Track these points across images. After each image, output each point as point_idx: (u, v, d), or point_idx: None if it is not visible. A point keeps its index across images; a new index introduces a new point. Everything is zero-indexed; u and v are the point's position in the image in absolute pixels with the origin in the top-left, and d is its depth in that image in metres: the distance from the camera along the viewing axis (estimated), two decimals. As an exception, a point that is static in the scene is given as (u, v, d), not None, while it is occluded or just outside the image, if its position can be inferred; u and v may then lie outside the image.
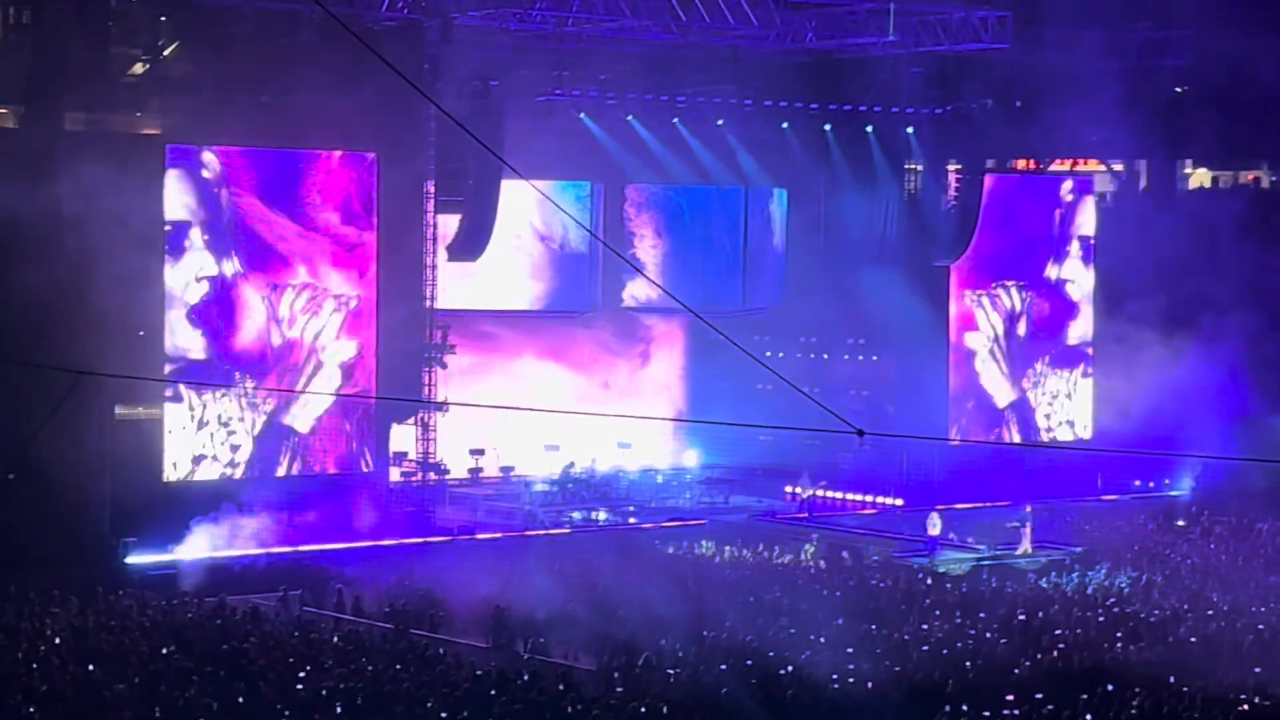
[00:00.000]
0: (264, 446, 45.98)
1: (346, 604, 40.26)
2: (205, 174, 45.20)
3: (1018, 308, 56.83)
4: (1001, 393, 56.64)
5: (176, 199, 44.88)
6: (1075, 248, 57.83)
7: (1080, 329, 58.03)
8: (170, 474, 44.71)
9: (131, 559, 42.62)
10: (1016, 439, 56.19)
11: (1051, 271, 57.46)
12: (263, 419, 45.97)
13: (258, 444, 45.85)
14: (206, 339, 45.27)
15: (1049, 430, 57.42)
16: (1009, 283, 56.70)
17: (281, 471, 46.14)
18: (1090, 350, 58.02)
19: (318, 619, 38.19)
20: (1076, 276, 57.88)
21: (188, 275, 45.01)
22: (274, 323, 46.11)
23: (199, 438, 45.09)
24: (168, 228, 44.71)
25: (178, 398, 44.74)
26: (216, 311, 45.38)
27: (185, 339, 45.03)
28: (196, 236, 45.05)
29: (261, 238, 45.95)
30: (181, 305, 44.90)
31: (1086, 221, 58.14)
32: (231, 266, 45.51)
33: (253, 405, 45.77)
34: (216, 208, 45.35)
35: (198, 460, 45.05)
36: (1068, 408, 57.89)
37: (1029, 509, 48.76)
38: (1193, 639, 36.59)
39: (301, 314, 46.54)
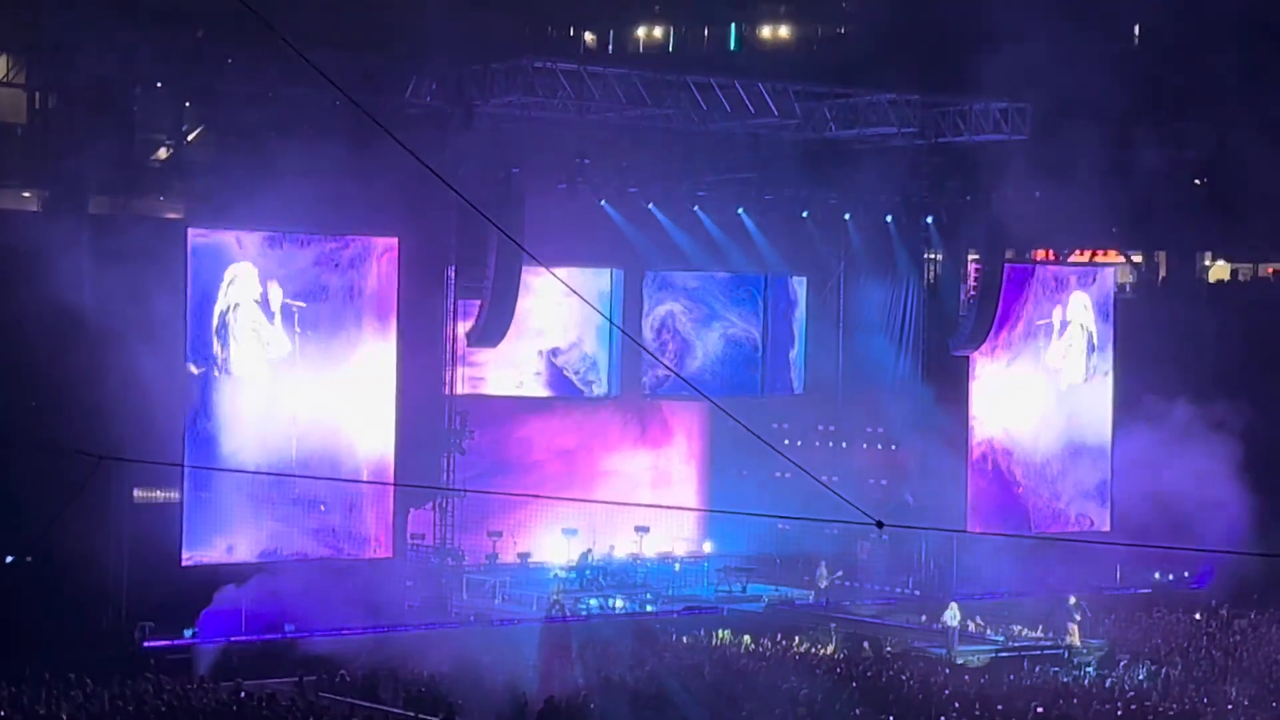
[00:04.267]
0: (284, 531, 45.99)
1: (363, 690, 40.17)
2: (243, 260, 45.44)
3: (1009, 394, 56.62)
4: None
5: (221, 287, 45.20)
6: (1072, 338, 57.51)
7: (1073, 418, 57.51)
8: (188, 557, 44.68)
9: (148, 642, 42.55)
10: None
11: (1050, 361, 57.11)
12: (286, 502, 46.00)
13: (277, 529, 45.86)
14: (248, 427, 45.49)
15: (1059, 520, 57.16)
16: (1006, 368, 56.53)
17: (300, 555, 46.10)
18: (1107, 441, 57.71)
19: (334, 705, 38.07)
20: (1071, 368, 57.53)
21: (233, 364, 45.31)
22: (306, 408, 46.27)
23: (219, 521, 45.09)
24: (215, 320, 45.04)
25: (200, 483, 44.76)
26: (254, 400, 45.59)
27: (234, 429, 45.36)
28: (245, 323, 45.30)
29: (299, 323, 46.18)
30: (224, 394, 45.17)
31: (1084, 314, 57.74)
32: (270, 353, 45.76)
33: (276, 489, 45.78)
34: (259, 295, 45.62)
35: (216, 543, 45.02)
36: (1070, 498, 57.54)
37: (1074, 600, 48.52)
38: (1212, 733, 36.49)
39: (337, 396, 46.69)
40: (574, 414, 56.70)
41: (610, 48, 72.67)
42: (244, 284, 45.50)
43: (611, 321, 54.50)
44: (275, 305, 45.93)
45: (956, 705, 38.42)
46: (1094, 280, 58.38)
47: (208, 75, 45.67)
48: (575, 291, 52.76)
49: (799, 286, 58.15)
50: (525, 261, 47.72)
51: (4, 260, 44.70)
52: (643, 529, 54.81)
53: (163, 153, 49.01)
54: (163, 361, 43.72)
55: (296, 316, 46.15)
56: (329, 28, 45.93)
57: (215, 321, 45.12)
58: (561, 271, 50.72)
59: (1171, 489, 53.25)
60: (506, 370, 53.73)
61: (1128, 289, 63.05)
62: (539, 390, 55.09)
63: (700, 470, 59.21)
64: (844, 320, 57.91)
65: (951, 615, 47.53)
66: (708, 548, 56.47)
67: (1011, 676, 42.87)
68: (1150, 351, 56.24)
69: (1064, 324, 57.42)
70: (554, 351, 55.03)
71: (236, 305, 45.38)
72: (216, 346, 45.17)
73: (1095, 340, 57.82)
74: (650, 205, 54.45)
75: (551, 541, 53.54)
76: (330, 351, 46.67)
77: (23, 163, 46.84)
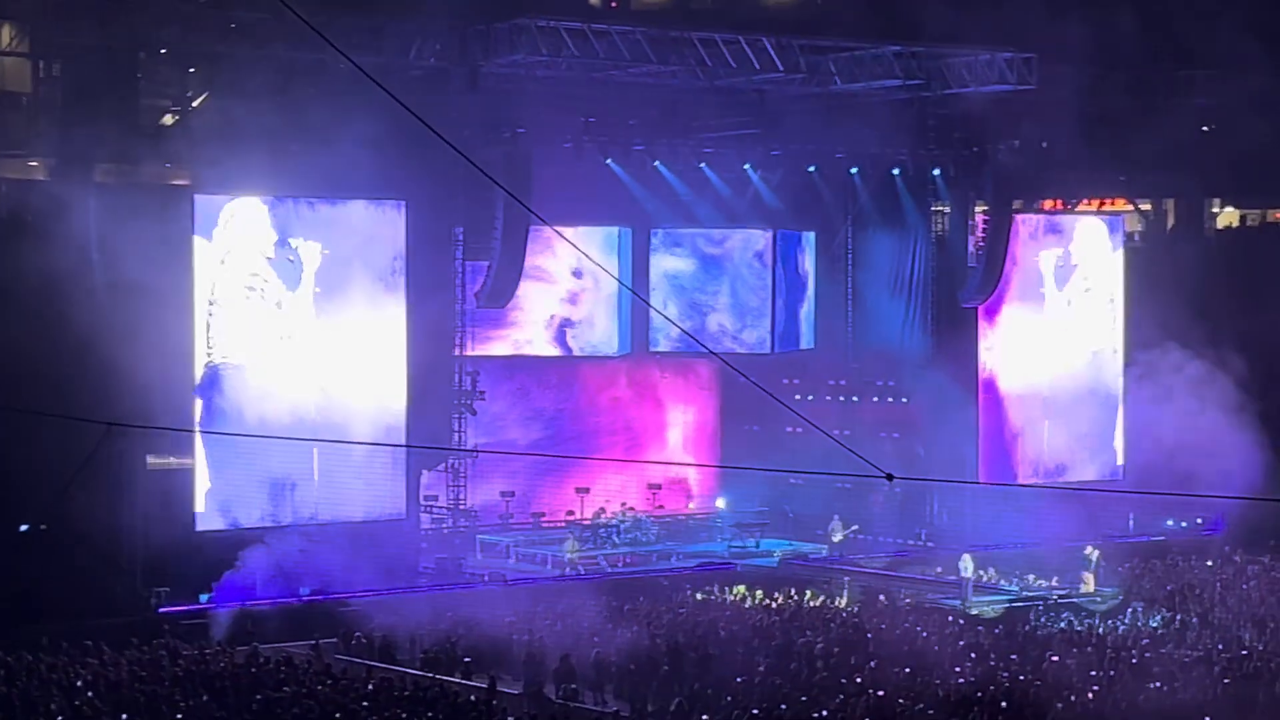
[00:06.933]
0: (297, 494, 46.06)
1: (379, 651, 40.28)
2: (252, 223, 45.46)
3: (1018, 344, 56.61)
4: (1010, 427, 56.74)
5: (251, 248, 45.44)
6: (1080, 287, 57.46)
7: (1082, 366, 57.52)
8: (202, 522, 44.79)
9: (163, 608, 42.68)
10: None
11: (1059, 310, 57.12)
12: (297, 466, 46.06)
13: (290, 492, 45.94)
14: (259, 392, 45.57)
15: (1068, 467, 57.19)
16: (1015, 318, 56.49)
17: (314, 518, 46.17)
18: (1117, 389, 57.72)
19: (351, 667, 38.17)
20: (1080, 316, 57.50)
21: (242, 329, 45.44)
22: (317, 371, 46.36)
23: (232, 486, 45.16)
24: (251, 285, 45.26)
25: (212, 447, 44.83)
26: (264, 364, 45.71)
27: (245, 394, 45.50)
28: (254, 287, 45.40)
29: (309, 286, 46.24)
30: (235, 359, 45.34)
31: (1092, 262, 57.68)
32: (280, 318, 45.84)
33: (287, 452, 45.82)
34: (269, 259, 45.69)
35: (230, 508, 45.12)
36: (1081, 446, 57.57)
37: (1089, 549, 48.59)
38: (1226, 679, 36.46)
39: (347, 359, 46.71)
40: (584, 373, 56.73)
41: (614, 5, 72.43)
42: (253, 249, 45.52)
43: (621, 281, 54.47)
44: (286, 270, 45.96)
45: (972, 656, 38.49)
46: (1099, 227, 58.29)
47: (211, 40, 45.56)
48: (581, 251, 52.74)
49: (807, 242, 58.05)
50: (534, 222, 47.69)
51: (12, 229, 44.72)
52: (655, 486, 54.92)
53: (168, 119, 48.95)
54: (172, 327, 43.77)
55: (308, 280, 46.16)
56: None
57: (224, 288, 45.16)
58: (569, 231, 50.78)
59: (1181, 436, 53.22)
60: (518, 330, 53.77)
61: (1136, 237, 62.91)
62: (550, 349, 55.10)
63: (712, 427, 59.22)
64: (852, 274, 57.84)
65: (965, 566, 47.58)
66: (721, 504, 56.53)
67: (1026, 626, 42.92)
68: (1160, 299, 56.12)
69: (1071, 272, 57.32)
70: (565, 314, 55.03)
71: (244, 270, 45.42)
72: (225, 313, 45.19)
73: (1103, 288, 57.74)
74: (656, 163, 54.26)
75: (564, 501, 53.62)
76: (340, 315, 46.68)
77: (28, 131, 46.74)
